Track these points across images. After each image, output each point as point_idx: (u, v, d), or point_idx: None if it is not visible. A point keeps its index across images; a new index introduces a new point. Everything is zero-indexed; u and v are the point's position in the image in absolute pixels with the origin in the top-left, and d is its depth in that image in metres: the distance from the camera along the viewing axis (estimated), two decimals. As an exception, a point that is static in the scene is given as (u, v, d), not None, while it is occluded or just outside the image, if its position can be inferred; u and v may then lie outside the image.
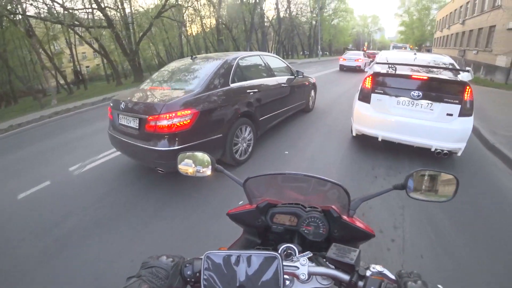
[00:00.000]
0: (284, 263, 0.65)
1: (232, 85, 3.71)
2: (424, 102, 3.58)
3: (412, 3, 45.36)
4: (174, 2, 16.13)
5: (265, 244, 0.94)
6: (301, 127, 5.46)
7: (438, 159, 3.80)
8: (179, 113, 2.95)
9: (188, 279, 0.68)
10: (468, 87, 3.39)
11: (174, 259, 0.69)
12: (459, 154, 3.57)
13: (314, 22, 35.35)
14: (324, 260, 0.72)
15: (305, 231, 0.87)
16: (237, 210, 0.98)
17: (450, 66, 4.02)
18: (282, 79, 4.94)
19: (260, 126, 4.23)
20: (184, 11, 16.94)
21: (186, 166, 1.13)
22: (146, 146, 3.03)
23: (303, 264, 0.67)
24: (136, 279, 0.62)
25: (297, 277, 0.67)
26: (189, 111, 3.00)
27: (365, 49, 44.05)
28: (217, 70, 3.59)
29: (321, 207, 0.91)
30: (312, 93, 6.59)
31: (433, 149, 3.53)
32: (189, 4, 17.74)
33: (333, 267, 0.68)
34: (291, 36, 35.13)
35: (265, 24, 31.17)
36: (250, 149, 4.04)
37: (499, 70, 15.21)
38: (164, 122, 2.91)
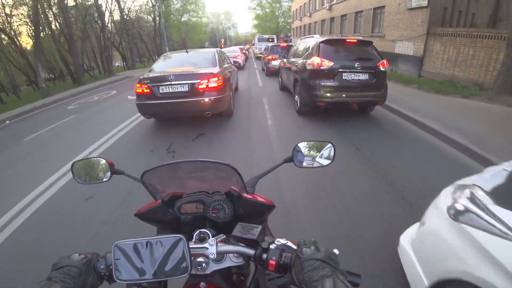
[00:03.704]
0: (194, 246, 0.69)
1: (224, 65, 5.87)
2: None
3: (264, -4, 44.96)
4: None
5: None
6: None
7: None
8: (218, 78, 4.87)
9: (103, 274, 0.67)
10: None
11: (87, 255, 0.68)
12: None
13: (158, 19, 27.28)
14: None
15: (213, 215, 0.90)
16: (144, 209, 0.96)
17: None
18: (230, 65, 6.96)
19: (233, 90, 6.60)
20: None
21: (86, 178, 1.09)
22: (198, 99, 4.79)
23: (211, 245, 0.69)
24: (47, 282, 0.60)
25: (207, 257, 0.69)
26: (221, 77, 5.00)
27: (222, 46, 40.56)
28: (215, 56, 5.69)
29: (223, 190, 0.93)
30: (237, 76, 8.79)
31: None
32: None
33: (243, 244, 0.71)
34: (128, 40, 26.06)
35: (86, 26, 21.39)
36: (232, 104, 6.08)
37: (404, 59, 12.17)
38: (213, 84, 4.78)
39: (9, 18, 17.52)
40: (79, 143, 4.99)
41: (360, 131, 4.64)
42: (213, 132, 4.98)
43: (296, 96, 5.90)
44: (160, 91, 4.82)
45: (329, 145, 1.07)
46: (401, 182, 3.00)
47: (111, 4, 23.39)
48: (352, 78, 4.87)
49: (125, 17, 24.91)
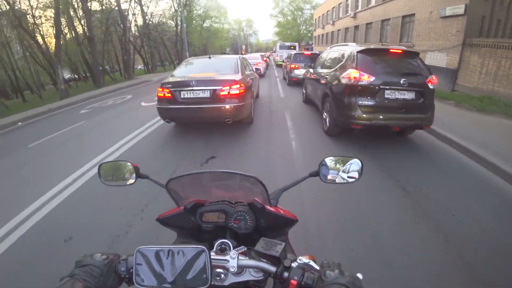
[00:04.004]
0: (216, 257, 0.68)
1: (246, 72, 5.80)
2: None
3: (286, 3, 45.40)
4: None
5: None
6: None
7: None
8: (240, 85, 4.83)
9: (123, 276, 0.67)
10: None
11: (109, 256, 0.68)
12: None
13: (180, 24, 27.28)
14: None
15: (234, 225, 0.88)
16: (166, 215, 0.96)
17: None
18: (252, 72, 7.01)
19: (254, 98, 6.60)
20: None
21: (112, 180, 1.10)
22: (219, 105, 4.74)
23: (233, 258, 0.68)
24: (69, 278, 0.60)
25: (227, 269, 0.67)
26: (243, 84, 4.95)
27: (243, 52, 40.53)
28: (238, 62, 5.65)
29: (246, 201, 0.92)
30: (258, 83, 8.68)
31: None
32: None
33: (264, 260, 0.70)
34: (150, 44, 26.04)
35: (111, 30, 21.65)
36: (253, 111, 6.01)
37: (435, 72, 11.07)
38: (235, 90, 4.74)
39: (35, 20, 17.84)
40: (75, 159, 4.43)
41: (402, 161, 3.87)
42: (227, 155, 4.28)
43: (325, 114, 5.11)
44: (182, 96, 4.82)
45: (356, 160, 1.02)
46: (467, 247, 2.23)
47: (134, 8, 23.58)
48: (396, 97, 4.09)
49: (147, 21, 25.08)
